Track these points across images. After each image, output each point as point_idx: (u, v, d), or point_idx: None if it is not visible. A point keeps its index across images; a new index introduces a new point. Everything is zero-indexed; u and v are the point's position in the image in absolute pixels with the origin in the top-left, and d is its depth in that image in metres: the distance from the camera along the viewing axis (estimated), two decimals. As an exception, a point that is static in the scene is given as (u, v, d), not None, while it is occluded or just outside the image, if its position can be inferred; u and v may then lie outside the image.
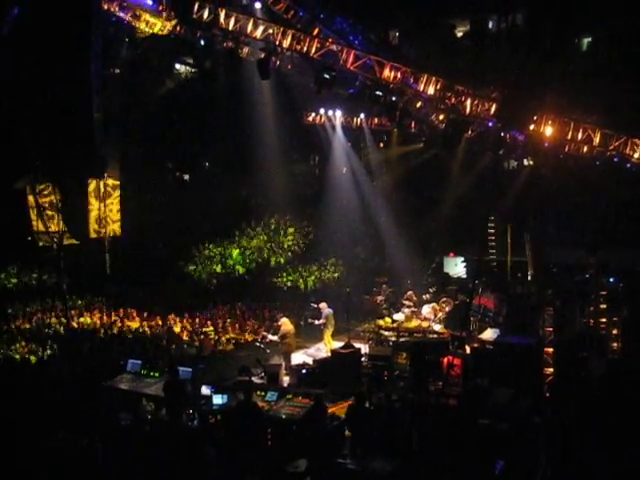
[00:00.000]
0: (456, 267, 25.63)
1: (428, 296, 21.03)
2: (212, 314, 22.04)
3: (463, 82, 17.48)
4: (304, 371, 15.55)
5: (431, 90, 17.09)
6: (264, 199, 26.45)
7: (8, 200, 21.58)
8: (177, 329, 20.17)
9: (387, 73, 16.79)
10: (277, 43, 16.66)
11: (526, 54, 20.94)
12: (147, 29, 19.53)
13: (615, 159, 17.71)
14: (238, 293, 23.57)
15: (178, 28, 19.56)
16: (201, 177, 29.61)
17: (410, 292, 20.58)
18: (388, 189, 27.65)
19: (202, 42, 19.90)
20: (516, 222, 22.78)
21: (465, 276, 24.27)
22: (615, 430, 10.43)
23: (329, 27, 19.78)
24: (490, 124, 19.41)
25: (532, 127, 17.21)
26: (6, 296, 21.58)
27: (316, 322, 18.69)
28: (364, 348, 17.41)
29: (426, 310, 19.47)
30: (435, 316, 19.12)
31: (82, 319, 20.62)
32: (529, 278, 21.78)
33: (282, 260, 24.48)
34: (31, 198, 23.05)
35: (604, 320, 17.18)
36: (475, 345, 16.47)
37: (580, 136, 17.14)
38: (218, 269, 23.50)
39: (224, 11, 16.81)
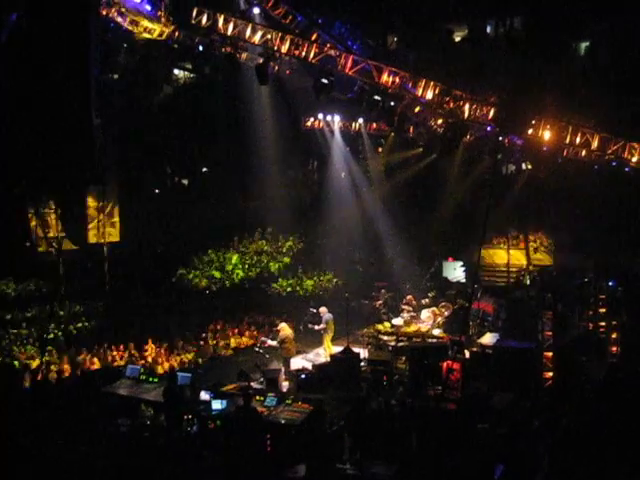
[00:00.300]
0: (455, 271, 25.63)
1: (427, 300, 21.03)
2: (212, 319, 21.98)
3: (461, 87, 17.50)
4: (303, 376, 15.53)
5: (429, 95, 17.11)
6: (263, 203, 26.43)
7: (6, 206, 21.53)
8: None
9: (385, 78, 16.81)
10: (275, 48, 16.68)
11: (524, 58, 20.98)
12: (145, 35, 19.54)
13: (613, 163, 17.76)
14: (237, 298, 23.54)
15: (176, 34, 19.57)
16: (200, 182, 29.61)
17: (409, 297, 20.60)
18: (387, 193, 27.63)
19: (200, 48, 19.90)
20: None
21: (464, 280, 24.27)
22: (615, 434, 10.42)
23: (327, 32, 19.80)
24: (488, 128, 19.46)
25: (530, 131, 17.25)
26: (5, 302, 21.52)
27: (316, 327, 18.68)
28: (363, 353, 17.41)
29: (425, 315, 19.48)
30: (434, 321, 19.11)
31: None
32: (528, 282, 21.79)
33: (281, 265, 24.46)
34: (30, 206, 23.03)
35: (603, 324, 17.22)
36: (474, 349, 16.47)
37: (578, 140, 17.17)
38: (217, 275, 23.45)
39: (223, 16, 16.83)
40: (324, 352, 18.34)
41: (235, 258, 23.89)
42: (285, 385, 15.73)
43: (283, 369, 16.30)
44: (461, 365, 15.01)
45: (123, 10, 18.76)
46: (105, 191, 24.04)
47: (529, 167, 23.64)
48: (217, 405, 12.43)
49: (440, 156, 24.50)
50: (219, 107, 25.74)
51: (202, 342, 19.92)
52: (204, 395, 12.92)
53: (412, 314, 19.57)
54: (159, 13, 18.35)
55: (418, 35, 25.68)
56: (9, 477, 9.87)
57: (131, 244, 24.90)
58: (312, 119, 26.60)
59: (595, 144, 17.11)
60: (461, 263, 25.60)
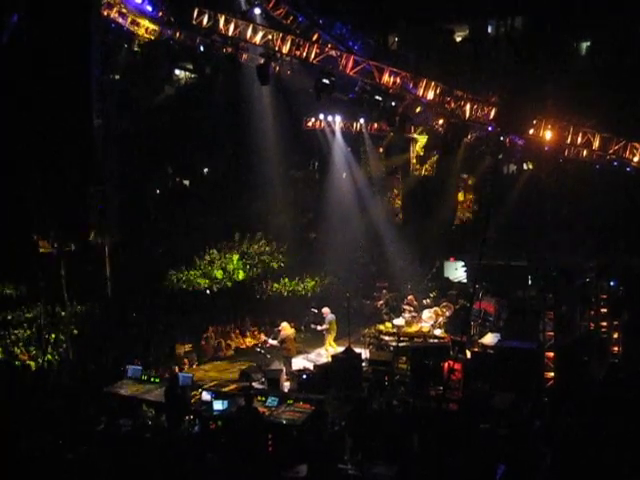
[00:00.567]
0: (456, 271, 25.59)
1: (428, 301, 21.01)
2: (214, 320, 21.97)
3: (462, 87, 17.49)
4: (305, 376, 15.54)
5: (430, 95, 17.09)
6: (264, 204, 26.42)
7: (7, 205, 21.54)
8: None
9: (386, 78, 16.80)
10: (276, 49, 16.66)
11: (525, 58, 20.97)
12: (147, 35, 19.56)
13: (615, 163, 17.72)
14: (239, 298, 23.52)
15: (177, 34, 19.60)
16: (201, 182, 29.61)
17: (410, 297, 20.56)
18: (388, 194, 27.62)
19: (202, 48, 19.90)
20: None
21: (465, 280, 24.25)
22: (616, 433, 10.41)
23: (328, 32, 19.78)
24: (490, 128, 19.43)
25: (531, 131, 17.21)
26: (6, 302, 21.51)
27: (318, 327, 18.71)
28: (364, 353, 17.41)
29: (426, 315, 19.46)
30: (436, 321, 19.10)
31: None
32: (529, 282, 21.76)
33: (282, 264, 24.44)
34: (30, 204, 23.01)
35: (605, 324, 17.19)
36: (476, 350, 16.47)
37: (579, 140, 17.13)
38: (219, 275, 23.43)
39: (224, 17, 16.81)
40: (325, 352, 18.35)
41: (236, 258, 23.88)
42: (286, 385, 15.72)
43: (284, 369, 16.29)
44: (462, 365, 15.01)
45: (124, 11, 18.81)
46: (105, 191, 24.03)
47: (530, 167, 23.61)
48: (219, 405, 12.43)
49: (441, 156, 24.48)
50: (220, 107, 25.74)
51: (203, 342, 19.91)
52: (206, 395, 12.92)
53: (413, 314, 19.56)
54: (160, 13, 18.36)
55: (419, 35, 25.69)
56: (9, 477, 9.87)
57: (132, 244, 24.88)
58: (313, 119, 26.58)
59: (596, 144, 17.07)
60: (462, 263, 25.57)
